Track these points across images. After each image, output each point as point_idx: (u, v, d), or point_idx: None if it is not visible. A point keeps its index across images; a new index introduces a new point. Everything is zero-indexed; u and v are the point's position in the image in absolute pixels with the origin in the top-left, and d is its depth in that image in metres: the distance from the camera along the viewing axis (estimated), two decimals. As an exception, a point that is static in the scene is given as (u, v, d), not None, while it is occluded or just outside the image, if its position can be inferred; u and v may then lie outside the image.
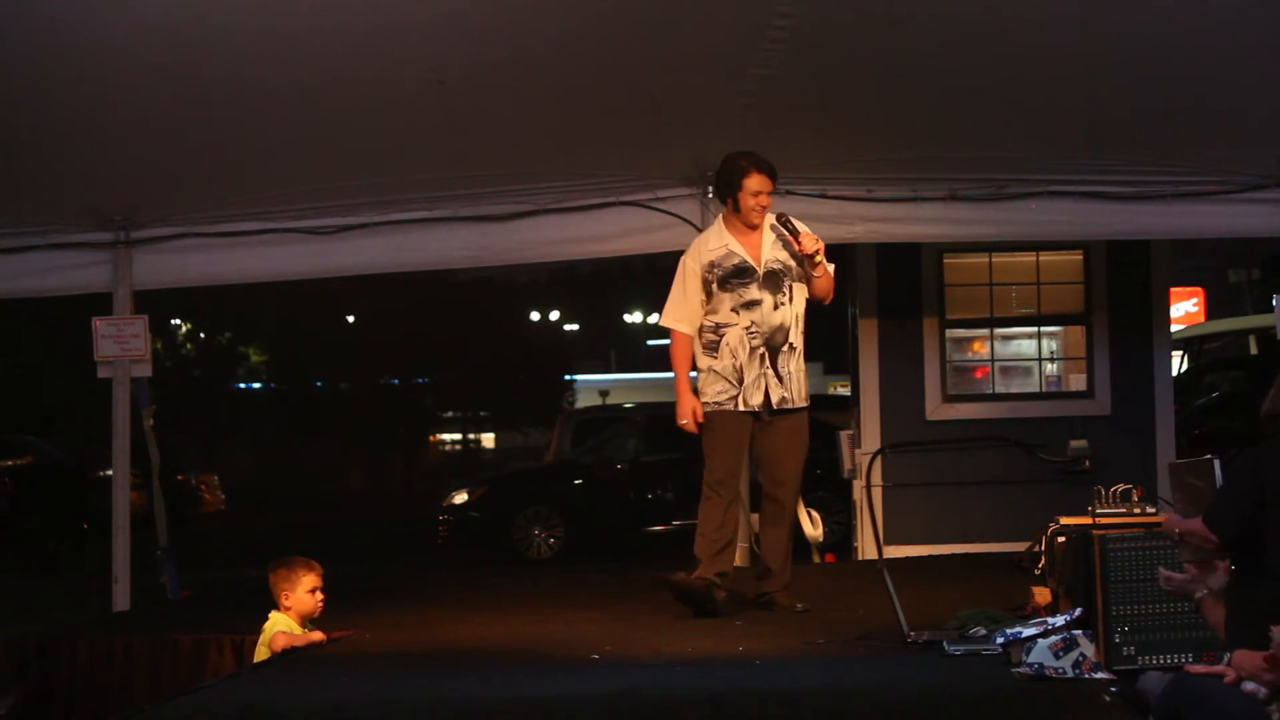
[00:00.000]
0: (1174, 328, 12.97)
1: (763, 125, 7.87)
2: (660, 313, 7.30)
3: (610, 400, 39.25)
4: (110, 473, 9.14)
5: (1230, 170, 8.45)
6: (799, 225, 7.05)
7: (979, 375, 10.50)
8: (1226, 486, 4.63)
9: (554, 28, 7.03)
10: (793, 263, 7.04)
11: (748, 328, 7.00)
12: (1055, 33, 7.11)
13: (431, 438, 45.68)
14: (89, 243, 8.95)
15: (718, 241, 7.09)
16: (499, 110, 7.78)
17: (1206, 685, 4.41)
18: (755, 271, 7.01)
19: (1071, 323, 10.37)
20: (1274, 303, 10.74)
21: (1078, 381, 10.35)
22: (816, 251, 6.99)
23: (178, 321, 35.81)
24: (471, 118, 7.84)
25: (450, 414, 44.39)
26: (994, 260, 10.33)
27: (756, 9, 6.95)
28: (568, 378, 43.61)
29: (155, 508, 9.06)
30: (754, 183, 6.98)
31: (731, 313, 7.03)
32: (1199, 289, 24.84)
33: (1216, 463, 4.75)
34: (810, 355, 7.34)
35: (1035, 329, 10.42)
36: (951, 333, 10.35)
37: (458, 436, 47.81)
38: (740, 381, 7.02)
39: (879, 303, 10.31)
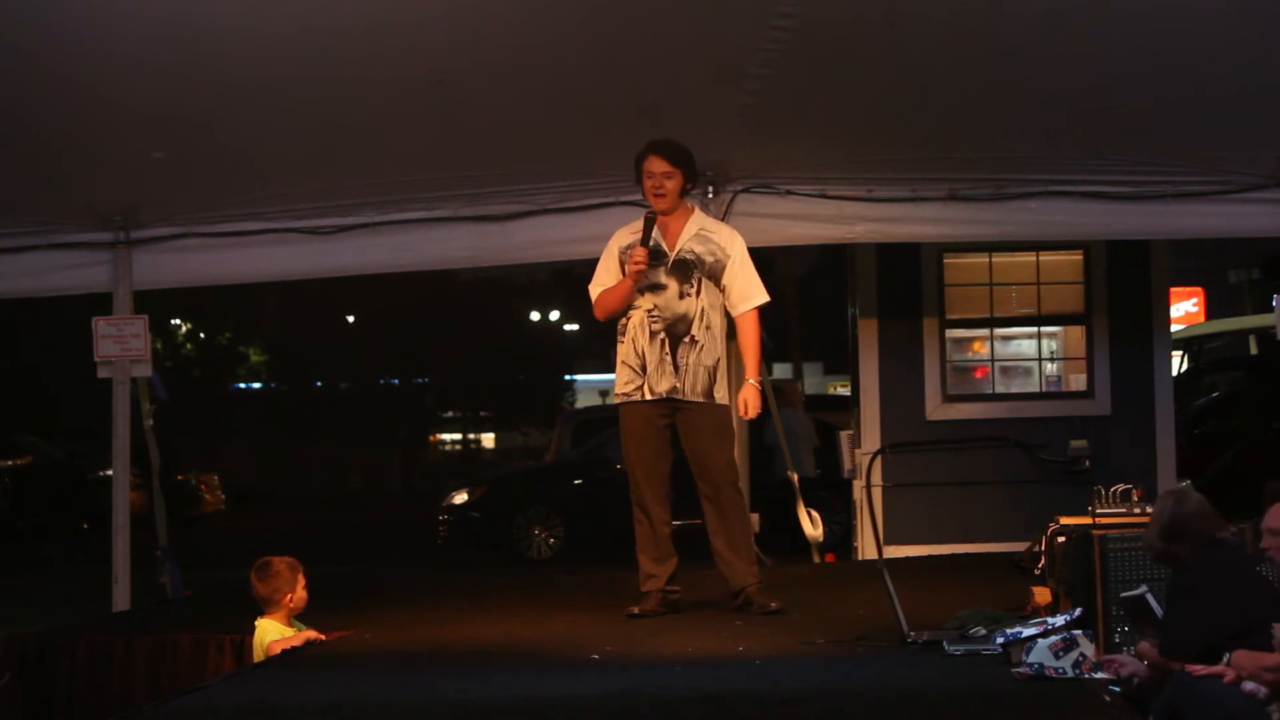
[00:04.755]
0: (1174, 328, 12.97)
1: (763, 125, 7.87)
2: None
3: (610, 400, 39.21)
4: (110, 473, 9.14)
5: (1230, 170, 8.44)
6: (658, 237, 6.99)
7: (979, 375, 10.50)
8: (1187, 613, 4.68)
9: (553, 27, 7.02)
10: (709, 258, 7.03)
11: (650, 310, 7.02)
12: (1055, 33, 7.10)
13: (431, 438, 45.61)
14: (89, 243, 8.95)
15: (639, 225, 7.10)
16: (498, 110, 7.77)
17: (1206, 685, 4.42)
18: (665, 256, 7.04)
19: (1071, 323, 10.37)
20: (1274, 303, 10.74)
21: (1078, 381, 10.34)
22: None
23: (178, 321, 35.77)
24: (471, 118, 7.83)
25: (450, 414, 44.35)
26: (994, 260, 10.34)
27: (756, 9, 6.94)
28: (568, 378, 43.57)
29: (155, 508, 9.06)
30: (648, 164, 7.03)
31: (638, 294, 7.05)
32: (1199, 289, 24.85)
33: (1149, 596, 4.84)
34: (810, 355, 7.34)
35: (1035, 329, 10.42)
36: (951, 333, 10.35)
37: (458, 436, 47.74)
38: (644, 369, 7.04)
39: (879, 303, 10.31)
